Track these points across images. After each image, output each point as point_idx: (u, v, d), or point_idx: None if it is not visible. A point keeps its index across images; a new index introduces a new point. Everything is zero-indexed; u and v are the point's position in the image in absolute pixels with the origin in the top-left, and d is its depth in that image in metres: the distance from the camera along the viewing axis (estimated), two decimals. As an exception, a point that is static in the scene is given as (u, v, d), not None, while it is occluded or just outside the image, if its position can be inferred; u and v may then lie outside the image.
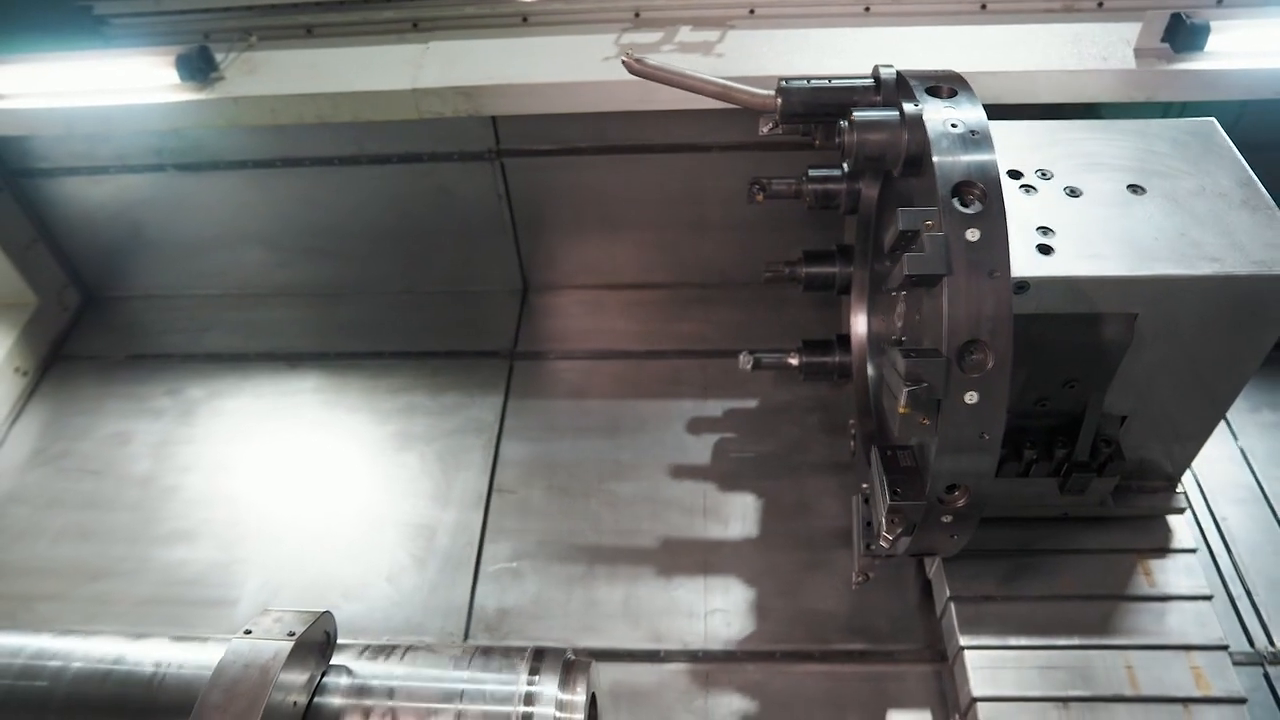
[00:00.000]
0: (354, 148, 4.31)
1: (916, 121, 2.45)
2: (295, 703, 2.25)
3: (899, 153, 2.52)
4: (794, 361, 3.44)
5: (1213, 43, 3.54)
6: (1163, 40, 3.57)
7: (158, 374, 4.58)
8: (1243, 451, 3.90)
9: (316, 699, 2.33)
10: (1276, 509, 3.70)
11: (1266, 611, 3.40)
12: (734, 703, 3.29)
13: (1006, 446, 2.92)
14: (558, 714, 2.32)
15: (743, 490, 3.91)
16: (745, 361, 3.41)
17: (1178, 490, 3.24)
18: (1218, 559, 3.55)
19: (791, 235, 4.17)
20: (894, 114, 2.54)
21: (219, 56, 3.98)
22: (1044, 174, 2.83)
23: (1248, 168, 2.83)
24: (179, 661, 2.39)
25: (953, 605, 3.13)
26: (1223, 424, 3.95)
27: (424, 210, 4.55)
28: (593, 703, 2.50)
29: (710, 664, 3.39)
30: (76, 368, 4.68)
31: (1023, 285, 2.53)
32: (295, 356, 4.60)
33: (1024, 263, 2.55)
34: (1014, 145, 2.93)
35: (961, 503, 2.50)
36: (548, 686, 2.36)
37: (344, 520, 3.91)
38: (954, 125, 2.39)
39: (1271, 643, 3.32)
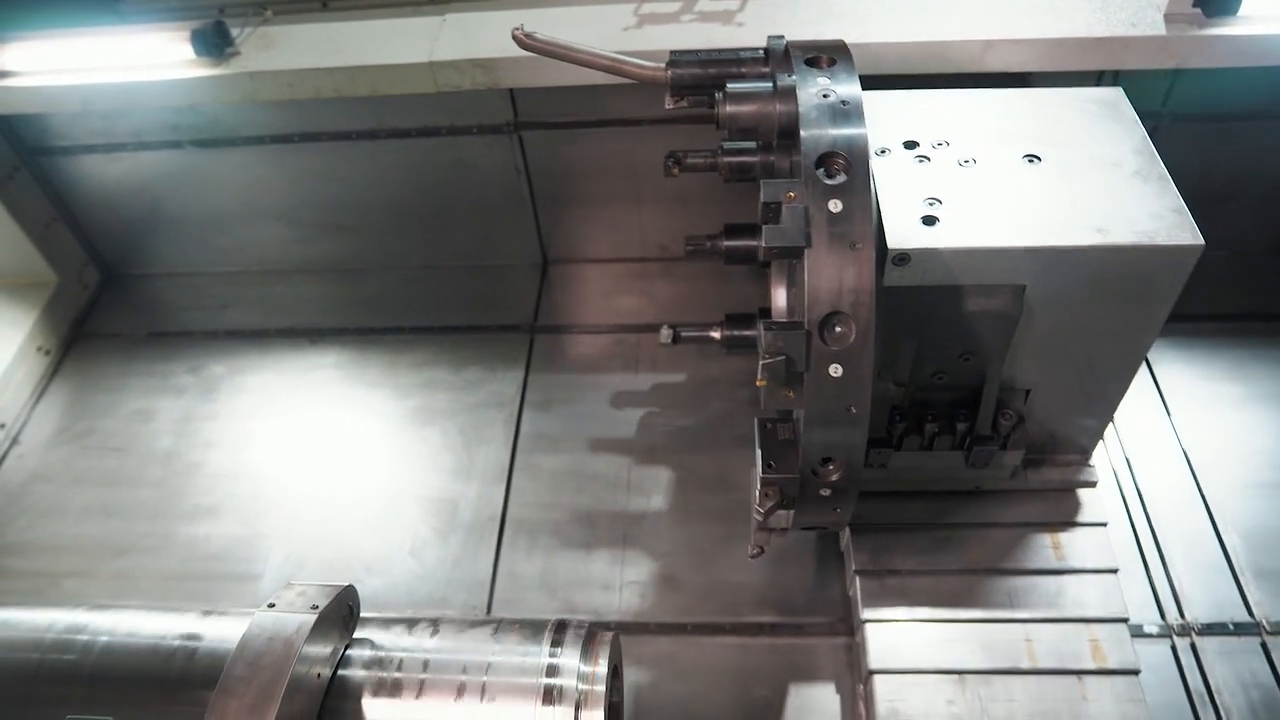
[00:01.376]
0: (372, 122, 4.29)
1: (788, 93, 2.45)
2: (319, 675, 2.25)
3: (773, 124, 2.52)
4: (716, 335, 3.36)
5: (1247, 6, 3.45)
6: (1194, 5, 3.48)
7: (179, 351, 4.59)
8: (1173, 424, 3.88)
9: (340, 671, 2.33)
10: (1201, 482, 3.68)
11: (1181, 585, 3.40)
12: (641, 674, 3.30)
13: (907, 419, 2.95)
14: (580, 685, 2.31)
15: (667, 464, 3.93)
16: (665, 336, 3.35)
17: (1090, 463, 3.22)
18: (1138, 532, 3.55)
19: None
20: (767, 85, 2.55)
21: (234, 31, 3.95)
22: (940, 144, 2.80)
23: (1146, 137, 2.79)
24: (204, 635, 2.40)
25: (858, 579, 3.13)
26: (1155, 395, 3.97)
27: (443, 184, 4.52)
28: (616, 673, 2.48)
29: (622, 635, 3.38)
30: (98, 346, 4.70)
31: (904, 257, 2.50)
32: (316, 332, 4.60)
33: (906, 234, 2.52)
34: (917, 115, 2.90)
35: (836, 476, 2.51)
36: (569, 658, 2.35)
37: (366, 495, 3.92)
38: (826, 96, 2.38)
39: (1182, 615, 3.32)
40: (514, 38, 2.98)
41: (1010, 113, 2.90)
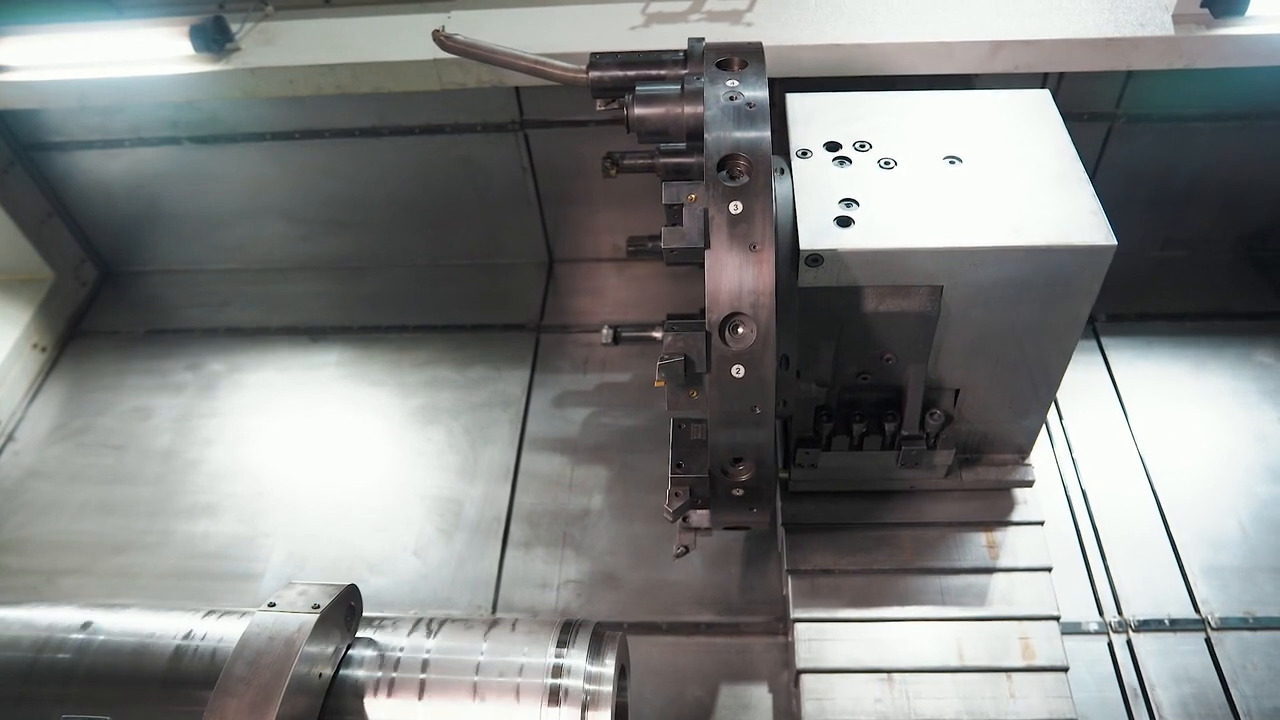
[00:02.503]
0: (375, 119, 4.26)
1: (696, 95, 2.45)
2: (321, 675, 2.22)
3: (681, 126, 2.52)
4: (657, 335, 3.34)
5: (1255, 7, 3.45)
6: (1202, 5, 3.48)
7: (178, 349, 4.56)
8: (1129, 424, 3.88)
9: (342, 672, 2.30)
10: (1154, 480, 3.68)
11: (1121, 583, 3.40)
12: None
13: (835, 419, 2.94)
14: (587, 686, 2.28)
15: (599, 464, 3.93)
16: (605, 336, 3.32)
17: (1027, 462, 3.19)
18: (1080, 529, 3.55)
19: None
20: (675, 88, 2.55)
21: (234, 26, 3.93)
22: (862, 146, 2.80)
23: (1069, 140, 2.79)
24: (203, 634, 2.37)
25: (790, 578, 3.10)
26: (1112, 394, 3.97)
27: (447, 182, 4.50)
28: (623, 673, 2.45)
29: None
30: (95, 343, 4.67)
31: (816, 258, 2.50)
32: (318, 330, 4.57)
33: (818, 235, 2.53)
34: (843, 118, 2.91)
35: (747, 476, 2.50)
36: (576, 659, 2.32)
37: (370, 494, 3.89)
38: (732, 98, 2.38)
39: (1120, 612, 3.33)
40: (434, 38, 2.99)
41: (936, 115, 2.91)
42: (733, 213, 2.21)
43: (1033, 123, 2.86)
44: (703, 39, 2.68)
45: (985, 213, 2.56)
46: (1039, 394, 2.96)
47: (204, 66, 3.83)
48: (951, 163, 2.72)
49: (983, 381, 2.89)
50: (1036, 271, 2.53)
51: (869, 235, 2.52)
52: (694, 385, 2.38)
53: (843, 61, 3.61)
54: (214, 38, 3.81)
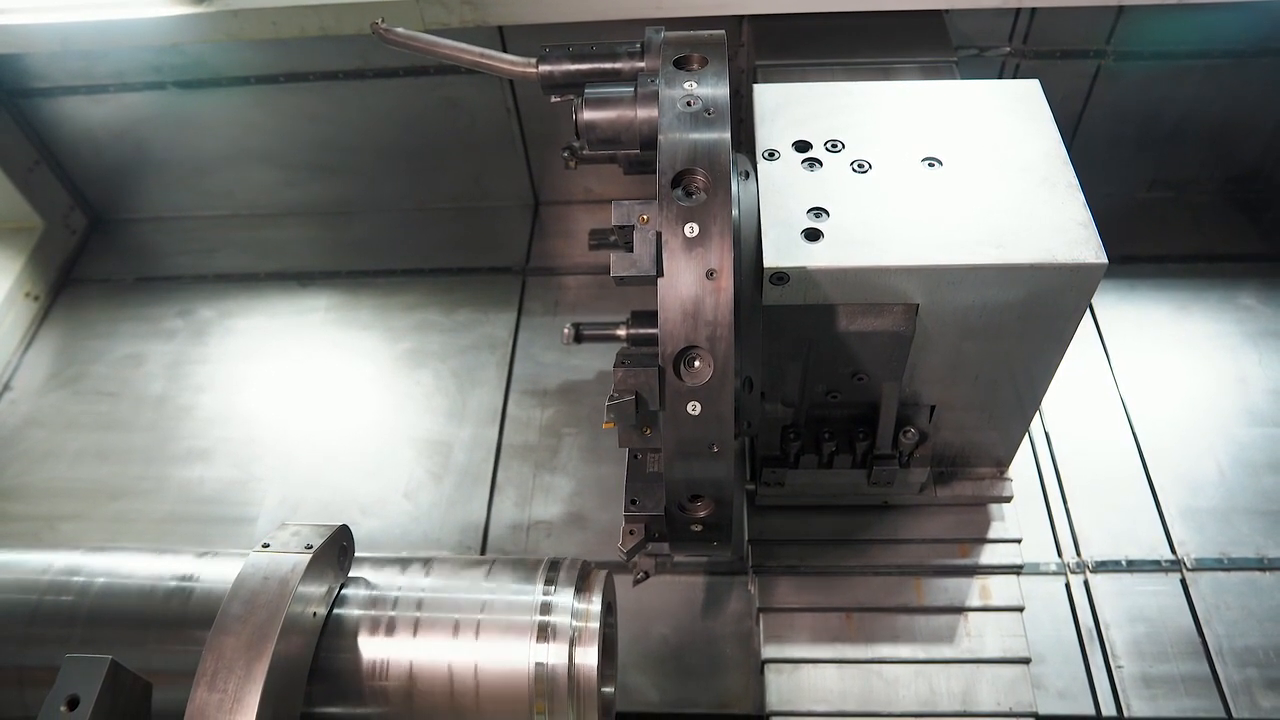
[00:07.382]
0: (359, 61, 4.22)
1: (649, 98, 2.28)
2: (315, 613, 2.26)
3: (635, 134, 2.34)
4: (621, 333, 3.25)
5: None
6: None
7: (168, 296, 4.57)
8: (1111, 366, 3.89)
9: (336, 610, 2.34)
10: (1133, 420, 3.70)
11: (1080, 526, 3.44)
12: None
13: (803, 437, 2.82)
14: (574, 622, 2.32)
15: (583, 405, 3.95)
16: (567, 335, 3.24)
17: (1006, 476, 3.08)
18: (1043, 472, 3.58)
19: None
20: (628, 89, 2.36)
21: (216, -33, 3.87)
22: (834, 145, 2.58)
23: (1058, 136, 2.59)
24: (200, 575, 2.42)
25: (748, 538, 3.13)
26: (1095, 337, 3.97)
27: (433, 125, 4.47)
28: (609, 610, 2.51)
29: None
30: (87, 291, 4.67)
31: (781, 276, 2.33)
32: (306, 275, 4.58)
33: (784, 251, 2.34)
34: (816, 111, 2.69)
35: (705, 513, 2.35)
36: (563, 596, 2.36)
37: (360, 437, 3.93)
38: (690, 103, 2.18)
39: (1078, 553, 3.37)
40: (373, 30, 2.82)
41: (916, 109, 2.69)
42: (688, 235, 2.02)
43: (1020, 117, 2.64)
44: (661, 30, 2.48)
45: (965, 225, 2.37)
46: (1020, 410, 2.82)
47: (186, 9, 3.76)
48: (930, 165, 2.52)
49: (961, 397, 2.74)
50: (1020, 290, 2.36)
51: (839, 251, 2.34)
52: (647, 423, 2.22)
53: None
54: (195, -21, 3.76)
